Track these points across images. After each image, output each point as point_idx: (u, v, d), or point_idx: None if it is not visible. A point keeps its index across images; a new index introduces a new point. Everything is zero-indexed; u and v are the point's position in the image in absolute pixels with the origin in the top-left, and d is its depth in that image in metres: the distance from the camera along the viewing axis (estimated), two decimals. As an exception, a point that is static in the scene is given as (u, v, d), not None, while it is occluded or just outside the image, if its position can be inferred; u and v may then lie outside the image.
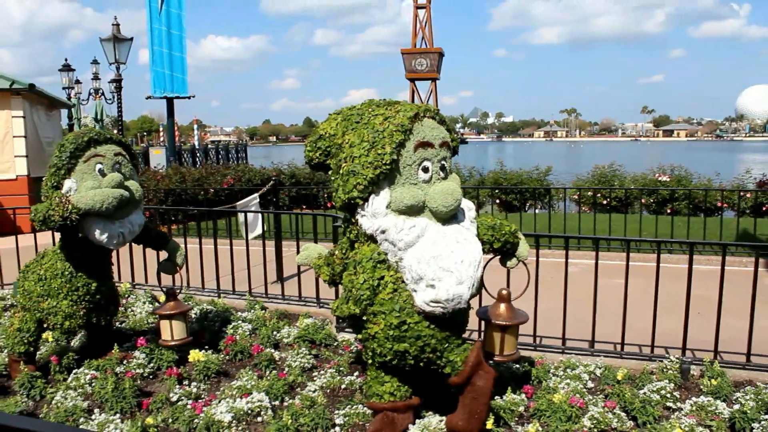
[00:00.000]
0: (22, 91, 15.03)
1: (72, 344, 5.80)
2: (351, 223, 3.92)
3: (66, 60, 24.24)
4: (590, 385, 4.83)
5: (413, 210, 3.67)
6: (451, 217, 3.77)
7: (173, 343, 5.28)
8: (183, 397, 4.66)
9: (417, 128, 3.72)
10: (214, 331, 6.09)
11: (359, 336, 3.99)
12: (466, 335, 4.15)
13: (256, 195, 8.79)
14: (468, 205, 3.96)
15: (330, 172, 3.93)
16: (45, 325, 5.12)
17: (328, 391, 4.83)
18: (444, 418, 4.07)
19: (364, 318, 3.78)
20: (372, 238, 3.76)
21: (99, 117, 24.61)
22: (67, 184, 4.73)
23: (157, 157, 20.00)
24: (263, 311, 6.70)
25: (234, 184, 15.61)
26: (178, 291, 5.44)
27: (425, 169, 3.72)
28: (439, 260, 3.57)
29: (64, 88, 23.06)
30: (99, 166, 4.82)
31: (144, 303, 7.03)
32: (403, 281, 3.69)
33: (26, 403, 4.68)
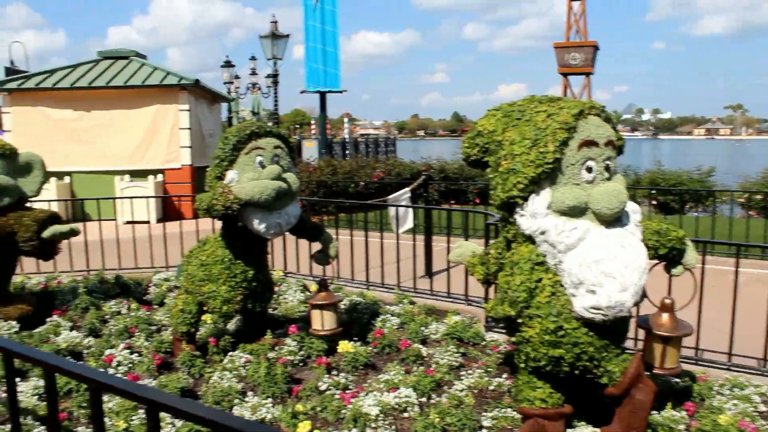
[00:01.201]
0: (188, 87, 15.94)
1: (228, 327, 6.05)
2: (509, 223, 3.81)
3: (227, 57, 25.61)
4: (762, 408, 4.42)
5: (575, 211, 3.51)
6: (614, 220, 3.58)
7: (323, 332, 5.38)
8: (331, 387, 4.73)
9: (581, 126, 3.55)
10: (363, 323, 6.15)
11: (513, 339, 3.88)
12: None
13: (407, 189, 8.82)
14: (633, 208, 3.75)
15: (488, 170, 3.83)
16: (205, 308, 5.38)
17: (476, 391, 4.75)
18: (597, 430, 3.89)
19: (519, 321, 3.67)
20: (530, 239, 3.64)
21: (256, 110, 25.76)
22: (230, 175, 4.94)
23: (310, 150, 20.66)
24: (411, 306, 6.71)
25: (383, 178, 15.82)
26: (329, 282, 5.54)
27: (589, 169, 3.55)
28: (601, 265, 3.40)
29: (225, 83, 24.33)
30: (259, 158, 4.98)
31: (295, 291, 7.24)
32: (561, 285, 3.55)
33: (187, 380, 4.92)
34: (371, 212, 12.06)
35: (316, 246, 5.76)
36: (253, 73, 29.49)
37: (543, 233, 3.54)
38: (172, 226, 9.53)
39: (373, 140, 33.29)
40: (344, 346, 5.29)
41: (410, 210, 8.67)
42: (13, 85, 15.85)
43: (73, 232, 6.35)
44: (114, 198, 12.56)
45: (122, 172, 15.57)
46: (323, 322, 5.37)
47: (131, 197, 10.69)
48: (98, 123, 15.83)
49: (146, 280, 7.98)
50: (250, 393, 4.68)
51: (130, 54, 17.44)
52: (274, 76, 20.99)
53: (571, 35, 36.51)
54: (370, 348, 5.57)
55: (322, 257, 5.64)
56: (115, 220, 10.78)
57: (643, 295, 3.69)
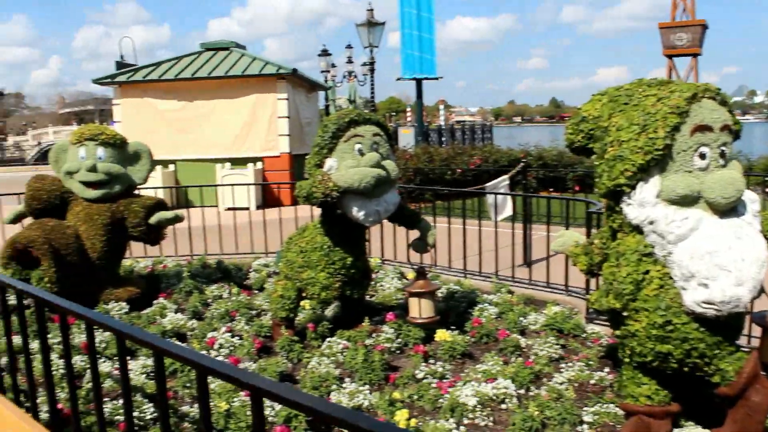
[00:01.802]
0: (287, 76, 16.21)
1: (326, 313, 6.11)
2: (614, 212, 3.65)
3: (324, 46, 25.88)
4: None
5: (687, 200, 3.33)
6: (730, 209, 3.38)
7: (421, 320, 5.36)
8: (428, 375, 4.70)
9: (694, 110, 3.36)
10: (460, 311, 6.09)
11: (617, 332, 3.73)
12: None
13: (505, 177, 8.68)
14: (750, 197, 3.52)
15: (593, 157, 3.68)
16: (304, 294, 5.45)
17: (576, 384, 4.61)
18: (707, 431, 3.70)
19: (625, 314, 3.52)
20: (637, 229, 3.48)
21: (352, 98, 25.91)
22: (329, 162, 4.97)
23: (406, 137, 20.63)
24: (509, 295, 6.60)
25: (480, 165, 15.62)
26: (428, 270, 5.52)
27: (702, 156, 3.36)
28: (714, 257, 3.21)
29: (322, 72, 24.59)
30: (358, 145, 4.99)
31: (392, 278, 7.25)
32: (670, 277, 3.38)
33: (286, 365, 4.99)
34: (468, 200, 11.95)
35: (414, 234, 5.74)
36: (349, 61, 29.69)
37: (651, 223, 3.37)
38: (271, 213, 9.73)
39: (469, 127, 32.89)
40: (442, 334, 5.25)
41: (509, 198, 8.53)
42: (122, 77, 16.58)
43: (178, 219, 6.58)
44: (216, 185, 12.95)
45: (223, 160, 16.02)
46: (421, 310, 5.35)
47: (232, 184, 10.98)
48: (200, 112, 16.35)
49: (246, 266, 8.18)
50: (347, 379, 4.71)
51: (230, 45, 17.89)
52: (371, 64, 21.06)
53: (678, 14, 34.99)
54: (468, 337, 5.50)
55: (421, 245, 5.61)
56: (216, 206, 11.10)
57: (761, 290, 3.47)
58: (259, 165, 16.16)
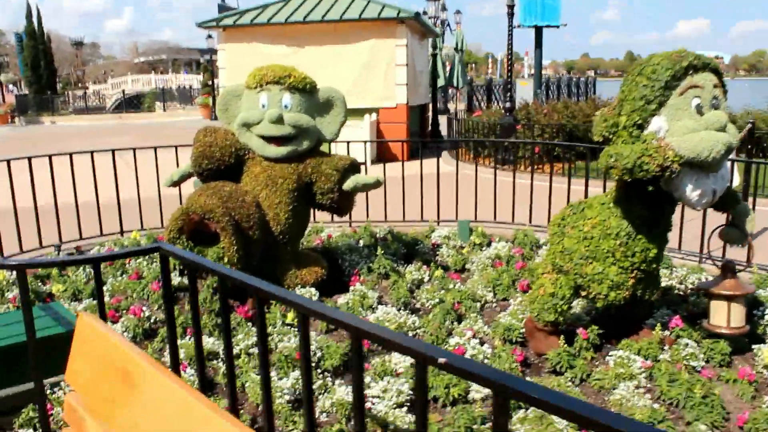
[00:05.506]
0: (407, 20, 14.74)
1: (573, 310, 4.81)
2: None
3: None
4: None
5: None
6: None
7: (728, 331, 4.09)
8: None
9: None
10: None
11: None
12: None
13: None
14: None
15: None
16: (582, 293, 4.15)
17: None
18: None
19: None
20: None
21: (460, 47, 24.15)
22: (656, 122, 3.56)
23: (524, 89, 18.94)
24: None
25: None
26: (738, 266, 4.18)
27: None
28: None
29: (430, 18, 22.86)
30: (696, 100, 3.56)
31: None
32: None
33: (569, 387, 3.76)
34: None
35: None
36: (443, 8, 27.99)
37: None
38: (388, 169, 8.35)
39: (575, 81, 30.58)
40: (771, 354, 3.93)
41: (734, 165, 7.03)
42: (229, 21, 15.37)
43: (378, 183, 5.39)
44: (364, 141, 11.76)
45: (336, 111, 14.80)
46: (729, 317, 4.05)
47: (379, 140, 9.71)
48: (312, 59, 15.00)
49: (420, 236, 6.88)
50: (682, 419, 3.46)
51: (343, -14, 16.46)
52: (510, 8, 19.44)
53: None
54: (784, 355, 4.17)
55: (736, 234, 4.14)
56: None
57: None
58: (374, 116, 14.86)
